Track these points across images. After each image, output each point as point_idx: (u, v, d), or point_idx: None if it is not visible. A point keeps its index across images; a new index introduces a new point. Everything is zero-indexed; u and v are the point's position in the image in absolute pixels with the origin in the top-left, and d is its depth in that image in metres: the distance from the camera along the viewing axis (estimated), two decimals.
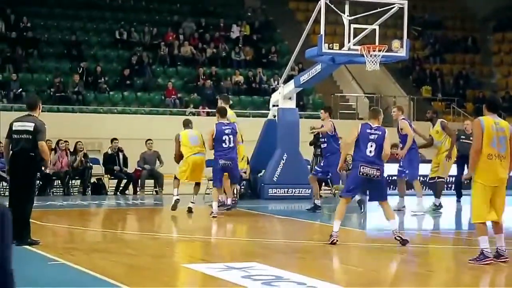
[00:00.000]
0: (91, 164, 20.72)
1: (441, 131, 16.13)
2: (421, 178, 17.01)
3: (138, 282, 8.20)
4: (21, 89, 25.78)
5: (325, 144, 15.68)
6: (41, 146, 10.52)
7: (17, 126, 10.67)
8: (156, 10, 32.33)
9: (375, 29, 16.97)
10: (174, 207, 15.03)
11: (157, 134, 22.26)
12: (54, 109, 25.33)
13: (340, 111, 28.25)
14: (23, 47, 27.51)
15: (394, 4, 16.95)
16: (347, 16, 16.77)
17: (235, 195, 16.53)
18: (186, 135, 15.18)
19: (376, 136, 10.95)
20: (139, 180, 20.91)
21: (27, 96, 22.41)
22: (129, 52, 28.98)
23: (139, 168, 21.00)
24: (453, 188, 18.79)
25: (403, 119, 15.55)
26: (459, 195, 17.83)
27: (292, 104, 19.78)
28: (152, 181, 21.25)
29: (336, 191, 21.65)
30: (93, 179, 20.85)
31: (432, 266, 10.07)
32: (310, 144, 20.22)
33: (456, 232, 14.27)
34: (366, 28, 17.10)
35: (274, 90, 24.27)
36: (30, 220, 10.68)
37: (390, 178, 17.69)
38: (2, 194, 18.00)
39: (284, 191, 19.08)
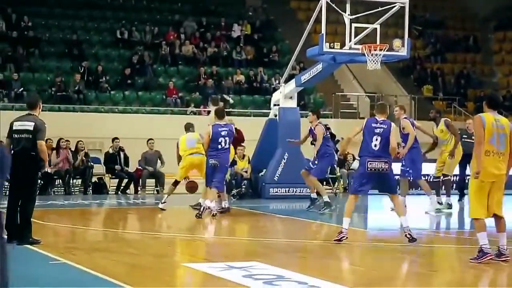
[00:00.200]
0: (92, 164, 20.72)
1: (446, 129, 16.16)
2: (423, 178, 16.97)
3: (139, 282, 8.19)
4: (22, 89, 25.77)
5: (319, 147, 15.72)
6: (40, 146, 10.52)
7: (17, 125, 10.68)
8: (157, 9, 32.32)
9: (376, 28, 16.97)
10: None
11: (158, 134, 22.29)
12: (55, 108, 25.34)
13: (341, 110, 28.25)
14: (24, 47, 27.51)
15: (395, 3, 16.93)
16: (348, 15, 16.77)
17: (223, 203, 15.53)
18: (184, 139, 15.79)
19: (382, 129, 10.94)
20: (140, 180, 20.91)
21: (28, 96, 22.40)
22: (130, 51, 28.97)
23: (140, 168, 21.00)
24: (454, 187, 18.77)
25: (405, 118, 15.54)
26: (461, 195, 17.83)
27: (293, 104, 19.77)
28: (153, 180, 21.25)
29: (337, 191, 21.68)
30: (94, 179, 20.85)
31: (434, 266, 10.07)
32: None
33: (458, 232, 14.26)
34: (367, 27, 17.10)
35: (275, 89, 24.26)
36: (32, 219, 10.68)
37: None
38: (4, 194, 17.96)
39: (285, 190, 19.08)
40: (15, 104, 24.29)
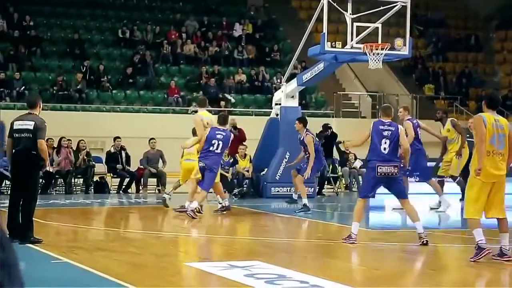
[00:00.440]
0: (93, 163, 20.74)
1: (452, 129, 16.20)
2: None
3: (141, 281, 8.19)
4: (24, 88, 25.80)
5: (308, 153, 15.75)
6: (40, 145, 10.52)
7: (17, 125, 10.68)
8: (159, 9, 32.34)
9: (377, 28, 16.97)
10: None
11: (160, 133, 22.29)
12: (57, 107, 25.35)
13: (343, 110, 28.26)
14: (26, 46, 27.53)
15: (396, 2, 16.94)
16: (350, 14, 16.77)
17: (223, 201, 15.55)
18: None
19: (390, 132, 10.85)
20: (142, 179, 20.93)
21: (29, 95, 22.41)
22: (132, 50, 28.98)
23: (141, 167, 21.01)
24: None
25: (408, 119, 15.53)
26: (463, 195, 17.79)
27: (294, 103, 19.78)
28: (155, 179, 21.26)
29: (338, 190, 21.69)
30: (95, 178, 20.87)
31: (435, 265, 10.06)
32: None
33: (460, 231, 14.24)
34: (368, 27, 17.11)
35: (276, 88, 24.24)
36: (33, 218, 10.69)
37: None
38: (5, 193, 17.99)
39: (287, 189, 19.05)
40: (17, 103, 24.31)
